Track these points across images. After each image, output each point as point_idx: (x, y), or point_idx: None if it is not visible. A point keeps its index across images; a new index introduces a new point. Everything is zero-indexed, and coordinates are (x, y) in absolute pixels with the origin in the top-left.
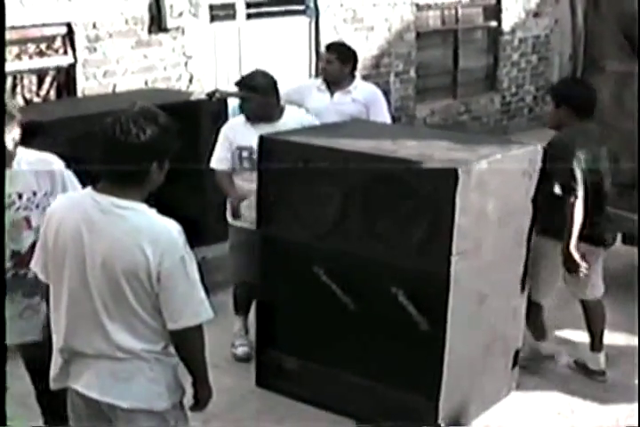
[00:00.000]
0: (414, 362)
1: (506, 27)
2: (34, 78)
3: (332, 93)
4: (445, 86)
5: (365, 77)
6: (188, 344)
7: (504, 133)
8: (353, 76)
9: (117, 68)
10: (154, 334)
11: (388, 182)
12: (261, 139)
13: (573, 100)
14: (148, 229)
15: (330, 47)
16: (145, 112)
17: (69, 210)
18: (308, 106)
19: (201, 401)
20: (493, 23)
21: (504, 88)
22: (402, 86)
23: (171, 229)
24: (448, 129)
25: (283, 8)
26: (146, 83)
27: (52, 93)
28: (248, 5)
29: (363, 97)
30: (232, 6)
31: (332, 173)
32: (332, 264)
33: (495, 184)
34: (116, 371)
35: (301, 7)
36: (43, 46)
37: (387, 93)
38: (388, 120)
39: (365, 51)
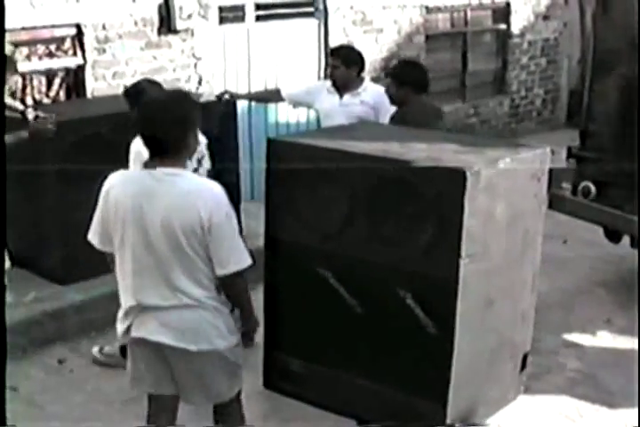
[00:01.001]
0: (422, 365)
1: (515, 30)
2: (43, 79)
3: (341, 95)
4: (454, 89)
5: (374, 80)
6: (234, 287)
7: (513, 137)
8: (361, 79)
9: (127, 69)
10: (210, 282)
11: (396, 185)
12: (269, 141)
13: (413, 80)
14: (197, 191)
15: (334, 51)
16: (175, 91)
17: (125, 184)
18: (317, 107)
19: (250, 332)
20: (502, 26)
21: (513, 91)
22: None
23: (215, 189)
24: (457, 132)
25: (292, 10)
26: None
27: (62, 94)
28: (257, 7)
29: (371, 99)
30: (241, 8)
31: (340, 176)
32: (340, 267)
33: (504, 187)
34: (183, 318)
35: (310, 9)
36: (52, 47)
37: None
38: None
39: (374, 53)
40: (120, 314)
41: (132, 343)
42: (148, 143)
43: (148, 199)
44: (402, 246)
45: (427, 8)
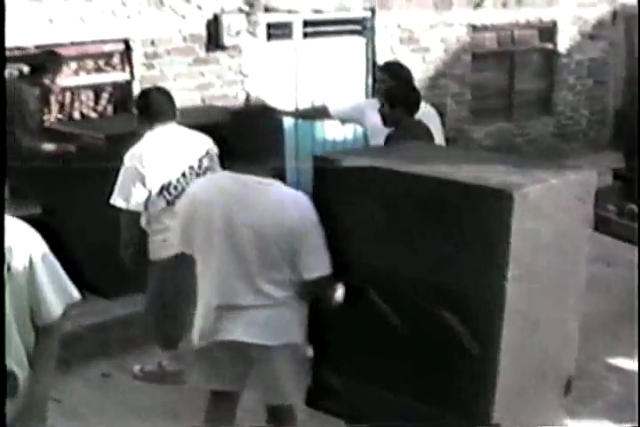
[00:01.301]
0: (465, 386)
1: (562, 49)
2: (91, 94)
3: None
4: (501, 109)
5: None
6: (320, 290)
7: (558, 157)
8: (408, 96)
9: (174, 85)
10: (288, 284)
11: (441, 205)
12: (315, 158)
13: (406, 101)
14: (289, 200)
15: (383, 67)
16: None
17: (213, 191)
18: (365, 125)
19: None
20: (549, 45)
21: (559, 111)
22: (457, 108)
23: (305, 199)
24: (503, 152)
25: (340, 27)
26: (202, 100)
27: (109, 109)
28: (305, 24)
29: (418, 118)
30: (289, 25)
31: (385, 194)
32: (384, 286)
33: (550, 209)
34: (263, 317)
35: (358, 27)
36: (101, 62)
37: (442, 115)
38: (442, 142)
39: (421, 72)
40: (198, 315)
41: (211, 343)
42: (238, 153)
43: (240, 207)
44: (447, 267)
45: (474, 27)
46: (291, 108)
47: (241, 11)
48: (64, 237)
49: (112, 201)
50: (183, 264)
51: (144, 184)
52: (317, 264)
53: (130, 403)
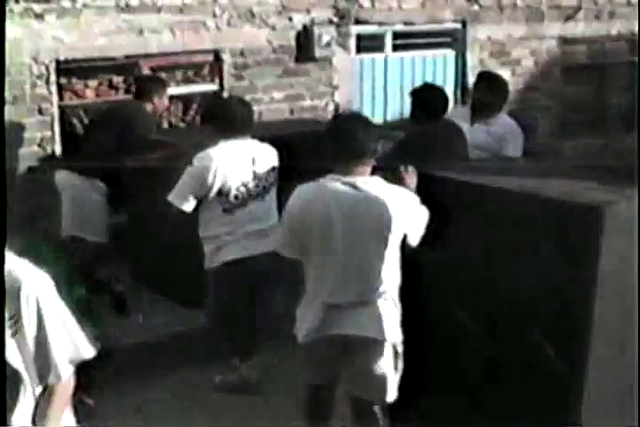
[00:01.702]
0: (551, 405)
1: None
2: (180, 104)
3: (472, 123)
4: (591, 122)
5: (511, 112)
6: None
7: None
8: (499, 108)
9: (264, 96)
10: (396, 278)
11: (532, 222)
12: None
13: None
14: (399, 196)
15: (481, 75)
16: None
17: (324, 196)
18: None
19: None
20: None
21: None
22: (547, 122)
23: (406, 192)
24: (593, 166)
25: (430, 40)
26: (292, 112)
27: (197, 120)
28: (395, 36)
29: (499, 132)
30: (380, 37)
31: (475, 210)
32: (474, 304)
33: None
34: (374, 312)
35: (448, 39)
36: (190, 73)
37: (525, 129)
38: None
39: (511, 85)
40: (308, 313)
41: (318, 339)
42: (344, 155)
43: (355, 207)
44: (535, 284)
45: (564, 39)
46: (379, 121)
47: (331, 22)
48: (149, 245)
49: (169, 198)
50: (237, 271)
51: (202, 186)
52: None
53: (211, 413)
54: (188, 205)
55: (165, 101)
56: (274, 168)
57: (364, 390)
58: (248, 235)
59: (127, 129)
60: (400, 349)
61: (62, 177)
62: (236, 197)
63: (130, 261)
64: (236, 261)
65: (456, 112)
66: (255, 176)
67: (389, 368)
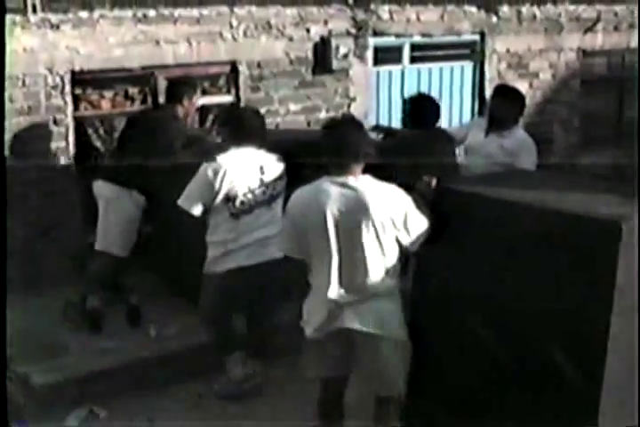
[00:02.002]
0: (566, 420)
1: None
2: (196, 115)
3: (487, 133)
4: (610, 136)
5: (529, 125)
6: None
7: None
8: (515, 122)
9: (280, 108)
10: (395, 271)
11: (549, 235)
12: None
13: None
14: (390, 193)
15: (498, 89)
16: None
17: (315, 197)
18: (465, 142)
19: None
20: None
21: None
22: (566, 135)
23: (395, 189)
24: (611, 180)
25: (448, 52)
26: (308, 124)
27: (214, 131)
28: (413, 48)
29: (511, 146)
30: (398, 49)
31: (493, 224)
32: (488, 316)
33: None
34: (377, 308)
35: (466, 51)
36: (206, 84)
37: (539, 143)
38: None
39: (529, 97)
40: (313, 309)
41: (324, 334)
42: (337, 157)
43: (348, 205)
44: (552, 299)
45: (584, 51)
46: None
47: (349, 34)
48: (173, 251)
49: (179, 202)
50: (239, 278)
51: (210, 191)
52: (419, 240)
53: (221, 424)
54: (197, 209)
55: (196, 103)
56: (281, 177)
57: (372, 384)
58: (253, 242)
59: (162, 136)
60: (409, 348)
61: (102, 188)
62: (242, 202)
63: (154, 267)
64: (239, 268)
65: (475, 123)
66: (262, 183)
67: (394, 365)
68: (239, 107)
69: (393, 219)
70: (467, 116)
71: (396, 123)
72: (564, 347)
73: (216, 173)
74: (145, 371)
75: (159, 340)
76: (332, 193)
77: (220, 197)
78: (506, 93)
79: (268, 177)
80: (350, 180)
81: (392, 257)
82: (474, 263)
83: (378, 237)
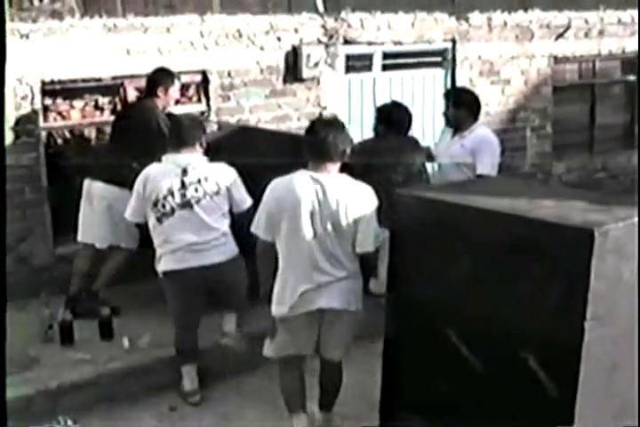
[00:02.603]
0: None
1: None
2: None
3: (452, 136)
4: (582, 142)
5: (502, 131)
6: (370, 258)
7: None
8: (473, 120)
9: (250, 117)
10: (356, 259)
11: (522, 243)
12: (398, 194)
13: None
14: (356, 190)
15: (445, 93)
16: (335, 120)
17: (290, 189)
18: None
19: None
20: (632, 77)
21: None
22: (538, 142)
23: (368, 188)
24: (584, 186)
25: (419, 59)
26: None
27: None
28: (385, 56)
29: (470, 144)
30: (369, 57)
31: (465, 232)
32: (462, 325)
33: (632, 248)
34: (341, 287)
35: (438, 59)
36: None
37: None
38: (488, 171)
39: (501, 104)
40: (283, 293)
41: (293, 314)
42: (315, 155)
43: (321, 198)
44: (526, 306)
45: (555, 58)
46: None
47: (320, 42)
48: None
49: (126, 216)
50: (175, 282)
51: (141, 199)
52: (369, 242)
53: None
54: (140, 220)
55: (173, 94)
56: (207, 180)
57: (332, 351)
58: (182, 247)
59: (146, 132)
60: (361, 318)
61: (98, 188)
62: (163, 206)
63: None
64: (171, 272)
65: (446, 130)
66: (183, 186)
67: (347, 335)
68: (174, 115)
69: (356, 216)
70: (439, 124)
71: (368, 131)
72: (538, 354)
73: (142, 180)
74: (117, 383)
75: (132, 351)
76: (306, 186)
77: (150, 203)
78: (454, 96)
79: (190, 179)
80: (326, 177)
81: (352, 249)
82: (447, 271)
83: (344, 228)
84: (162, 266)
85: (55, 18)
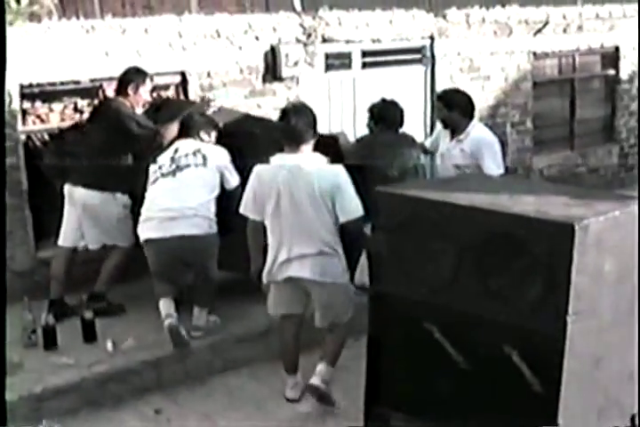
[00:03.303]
0: (526, 423)
1: (624, 75)
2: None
3: (451, 138)
4: (562, 137)
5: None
6: (353, 227)
7: (621, 185)
8: (468, 121)
9: None
10: (336, 233)
11: (503, 238)
12: (376, 192)
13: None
14: (328, 168)
15: (439, 95)
16: (302, 106)
17: (266, 171)
18: (438, 151)
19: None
20: (611, 71)
21: (622, 139)
22: (518, 137)
23: (339, 166)
24: (564, 181)
25: (399, 57)
26: None
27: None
28: (364, 54)
29: (469, 148)
30: (348, 55)
31: (447, 228)
32: (445, 321)
33: (612, 242)
34: (320, 261)
35: (418, 56)
36: (155, 95)
37: (502, 143)
38: (495, 171)
39: (482, 100)
40: (269, 262)
41: (279, 281)
42: (287, 139)
43: (295, 179)
44: (509, 302)
45: (534, 54)
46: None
47: (299, 41)
48: None
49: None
50: (152, 249)
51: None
52: (350, 210)
53: None
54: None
55: (144, 95)
56: (194, 154)
57: (319, 320)
58: (156, 216)
59: (112, 132)
60: (350, 290)
61: (81, 194)
62: (151, 178)
63: None
64: (146, 240)
65: (440, 131)
66: (172, 161)
67: (337, 303)
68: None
69: (331, 192)
70: (420, 121)
71: (348, 129)
72: (521, 349)
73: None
74: (102, 386)
75: (115, 355)
76: (282, 167)
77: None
78: (443, 98)
79: (179, 154)
80: (299, 157)
81: (332, 223)
82: (429, 268)
83: (319, 207)
84: (141, 234)
85: (33, 20)
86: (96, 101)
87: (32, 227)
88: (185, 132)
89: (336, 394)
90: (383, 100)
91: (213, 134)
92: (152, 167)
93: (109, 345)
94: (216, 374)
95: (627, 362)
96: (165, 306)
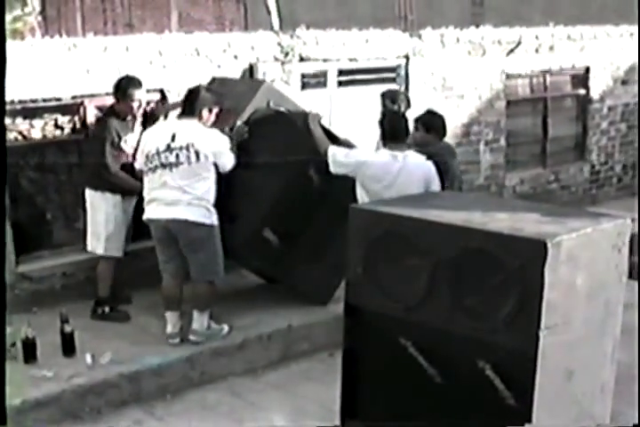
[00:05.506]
0: None
1: (595, 95)
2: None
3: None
4: (535, 155)
5: (456, 145)
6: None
7: (593, 203)
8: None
9: None
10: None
11: (477, 255)
12: (351, 209)
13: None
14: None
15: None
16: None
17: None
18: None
19: None
20: (582, 91)
21: (593, 157)
22: (492, 155)
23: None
24: (537, 198)
25: (374, 76)
26: None
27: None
28: (340, 73)
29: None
30: (324, 74)
31: (421, 245)
32: (420, 337)
33: (585, 258)
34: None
35: (392, 75)
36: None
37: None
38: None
39: (455, 119)
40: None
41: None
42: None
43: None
44: (482, 317)
45: (507, 74)
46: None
47: (276, 60)
48: None
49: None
50: (152, 228)
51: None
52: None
53: None
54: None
55: (131, 104)
56: (188, 148)
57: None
58: (154, 200)
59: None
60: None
61: (92, 196)
62: (151, 162)
63: None
64: (147, 220)
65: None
66: (168, 148)
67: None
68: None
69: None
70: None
71: None
72: (494, 363)
73: (144, 136)
74: (81, 399)
75: (94, 368)
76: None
77: (143, 157)
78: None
79: (176, 144)
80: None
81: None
82: (404, 283)
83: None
84: (144, 214)
85: (16, 37)
86: (77, 118)
87: (12, 241)
88: (188, 108)
89: (311, 408)
90: (429, 112)
91: (214, 111)
92: (151, 149)
93: (88, 358)
94: (194, 387)
95: (599, 375)
96: (171, 321)
